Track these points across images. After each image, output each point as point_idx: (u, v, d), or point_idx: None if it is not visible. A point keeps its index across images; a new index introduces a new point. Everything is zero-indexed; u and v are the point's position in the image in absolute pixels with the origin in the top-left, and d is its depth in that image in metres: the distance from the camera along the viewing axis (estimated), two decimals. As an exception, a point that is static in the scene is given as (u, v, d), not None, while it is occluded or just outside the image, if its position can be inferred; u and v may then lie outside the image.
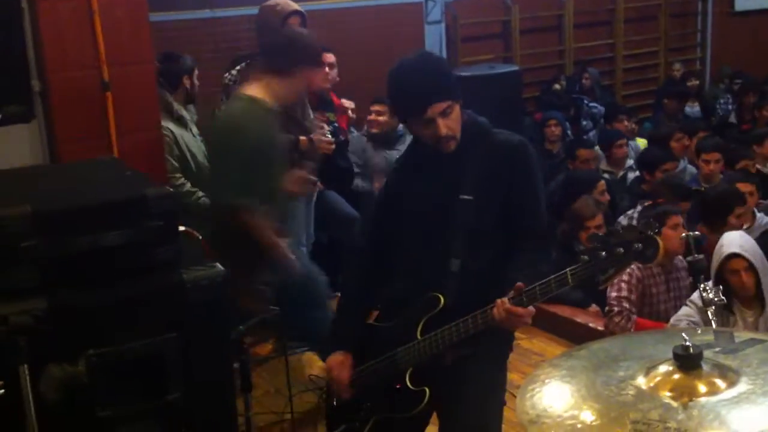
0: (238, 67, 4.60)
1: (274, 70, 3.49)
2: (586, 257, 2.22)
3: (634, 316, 4.40)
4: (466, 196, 2.54)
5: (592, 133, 7.95)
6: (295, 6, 4.54)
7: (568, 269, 2.27)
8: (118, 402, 2.49)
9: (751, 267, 3.80)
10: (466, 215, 2.53)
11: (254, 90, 3.50)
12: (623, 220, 5.24)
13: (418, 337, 2.55)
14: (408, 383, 2.57)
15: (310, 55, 3.57)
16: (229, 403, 2.77)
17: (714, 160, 6.10)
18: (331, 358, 2.75)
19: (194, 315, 2.59)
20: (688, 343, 1.67)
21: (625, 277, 4.40)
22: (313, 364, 4.08)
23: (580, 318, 4.99)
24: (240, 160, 3.38)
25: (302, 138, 4.37)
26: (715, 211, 4.96)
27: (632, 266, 4.36)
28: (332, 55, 5.47)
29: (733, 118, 8.62)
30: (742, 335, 1.86)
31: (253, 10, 6.53)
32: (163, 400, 2.55)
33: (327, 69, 5.44)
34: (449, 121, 2.52)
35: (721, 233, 4.74)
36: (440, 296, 2.54)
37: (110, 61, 4.68)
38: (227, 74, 4.70)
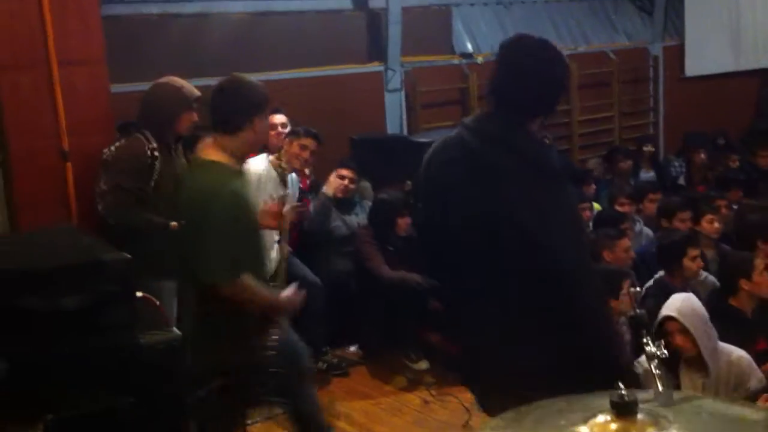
0: (117, 143, 4.52)
1: (224, 131, 3.34)
2: None
3: None
4: None
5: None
6: (196, 90, 4.56)
7: None
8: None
9: (685, 330, 3.85)
10: None
11: (214, 154, 3.34)
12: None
13: None
14: None
15: (256, 105, 3.40)
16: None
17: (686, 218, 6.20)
18: None
19: (151, 378, 2.61)
20: (623, 392, 1.74)
21: None
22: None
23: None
24: (219, 232, 3.20)
25: (173, 223, 4.26)
26: (670, 255, 5.15)
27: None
28: (282, 115, 5.59)
29: (682, 180, 8.84)
30: (681, 393, 1.94)
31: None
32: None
33: (279, 129, 5.59)
34: None
35: (680, 277, 4.90)
36: None
37: (70, 132, 4.76)
38: (106, 149, 4.55)
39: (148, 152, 4.36)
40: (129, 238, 4.07)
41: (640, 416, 1.74)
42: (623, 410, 1.74)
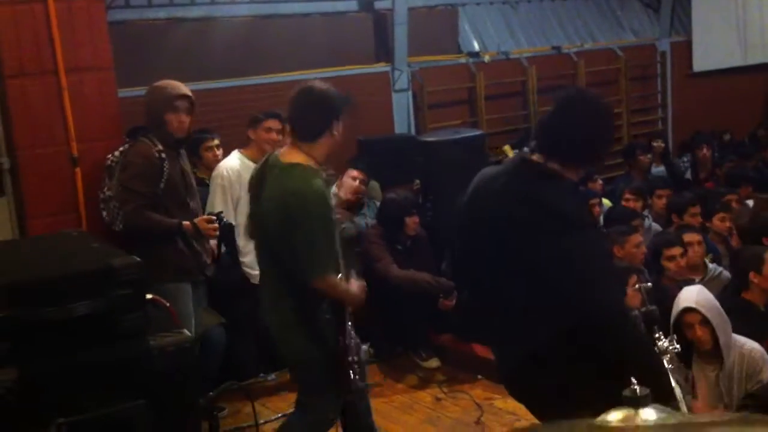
0: (122, 148, 4.57)
1: (303, 138, 3.49)
2: None
3: None
4: None
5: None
6: (185, 90, 4.54)
7: None
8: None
9: (705, 321, 3.86)
10: None
11: (297, 157, 3.48)
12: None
13: None
14: None
15: (334, 111, 3.54)
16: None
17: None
18: None
19: (162, 381, 2.62)
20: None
21: None
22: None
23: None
24: (318, 231, 3.39)
25: (186, 222, 4.43)
26: (650, 256, 5.30)
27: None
28: (277, 120, 5.48)
29: (688, 175, 8.81)
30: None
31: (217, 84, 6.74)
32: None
33: (275, 134, 5.50)
34: None
35: (667, 277, 4.91)
36: None
37: (79, 138, 4.78)
38: (110, 155, 4.62)
39: (156, 155, 4.38)
40: (140, 242, 4.10)
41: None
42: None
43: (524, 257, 2.79)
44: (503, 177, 2.95)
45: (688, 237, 5.42)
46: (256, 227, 3.67)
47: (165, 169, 4.37)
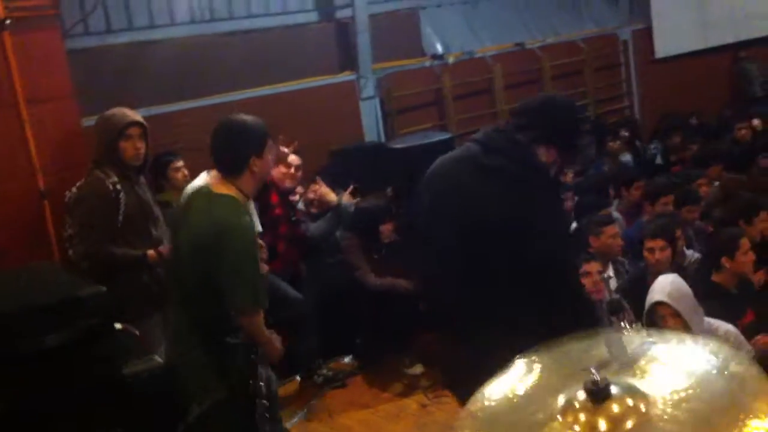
0: (78, 183, 4.50)
1: (230, 172, 3.38)
2: None
3: None
4: None
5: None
6: (136, 117, 4.47)
7: None
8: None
9: (677, 314, 3.89)
10: None
11: (223, 188, 3.37)
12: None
13: None
14: None
15: (255, 145, 3.41)
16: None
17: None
18: None
19: (137, 408, 2.62)
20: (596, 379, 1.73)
21: None
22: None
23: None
24: (246, 263, 3.28)
25: (150, 252, 4.35)
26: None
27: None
28: (297, 157, 5.52)
29: (659, 160, 8.87)
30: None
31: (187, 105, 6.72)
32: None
33: (293, 170, 5.49)
34: None
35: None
36: None
37: (44, 170, 4.76)
38: (68, 192, 4.56)
39: (110, 186, 4.29)
40: (106, 279, 4.05)
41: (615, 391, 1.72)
42: (598, 396, 1.74)
43: (503, 210, 2.93)
44: (470, 149, 3.14)
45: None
46: (175, 259, 3.51)
47: (121, 200, 4.30)
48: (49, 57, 4.86)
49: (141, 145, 4.42)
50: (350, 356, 5.99)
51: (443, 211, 3.09)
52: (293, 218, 5.57)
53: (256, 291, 3.31)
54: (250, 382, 3.35)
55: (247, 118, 3.45)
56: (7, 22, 4.71)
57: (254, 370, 3.39)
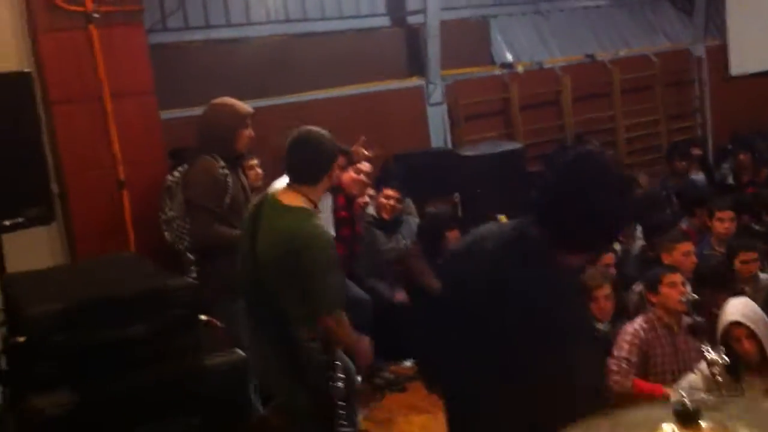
0: (180, 168, 4.63)
1: (304, 182, 3.57)
2: None
3: (632, 377, 4.40)
4: None
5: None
6: (251, 108, 4.60)
7: None
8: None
9: (752, 334, 3.82)
10: None
11: (294, 200, 3.55)
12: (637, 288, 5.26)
13: None
14: None
15: (333, 156, 3.68)
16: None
17: (728, 218, 6.11)
18: None
19: (215, 400, 2.68)
20: (686, 400, 1.73)
21: (627, 337, 4.44)
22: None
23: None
24: (329, 270, 3.44)
25: None
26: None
27: (637, 326, 4.45)
28: (368, 164, 5.62)
29: (731, 180, 8.72)
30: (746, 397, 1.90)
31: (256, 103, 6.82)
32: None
33: (362, 177, 5.61)
34: None
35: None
36: None
37: (125, 161, 4.88)
38: (169, 176, 4.69)
39: (220, 171, 4.43)
40: (202, 260, 4.17)
41: (705, 424, 1.73)
42: (687, 419, 1.74)
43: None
44: (495, 253, 2.45)
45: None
46: (251, 265, 3.60)
47: (229, 184, 4.43)
48: (133, 52, 4.98)
49: (253, 134, 4.59)
50: (410, 360, 6.00)
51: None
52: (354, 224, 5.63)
53: (342, 294, 3.52)
54: (329, 383, 3.42)
55: (324, 132, 3.67)
56: (95, 15, 4.84)
57: (333, 371, 3.46)
